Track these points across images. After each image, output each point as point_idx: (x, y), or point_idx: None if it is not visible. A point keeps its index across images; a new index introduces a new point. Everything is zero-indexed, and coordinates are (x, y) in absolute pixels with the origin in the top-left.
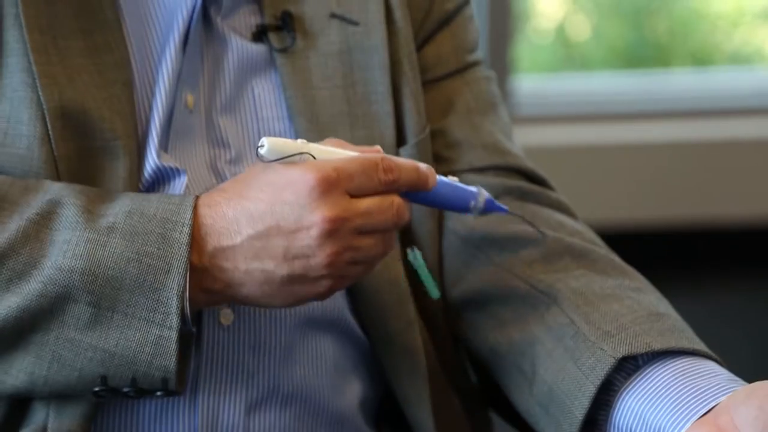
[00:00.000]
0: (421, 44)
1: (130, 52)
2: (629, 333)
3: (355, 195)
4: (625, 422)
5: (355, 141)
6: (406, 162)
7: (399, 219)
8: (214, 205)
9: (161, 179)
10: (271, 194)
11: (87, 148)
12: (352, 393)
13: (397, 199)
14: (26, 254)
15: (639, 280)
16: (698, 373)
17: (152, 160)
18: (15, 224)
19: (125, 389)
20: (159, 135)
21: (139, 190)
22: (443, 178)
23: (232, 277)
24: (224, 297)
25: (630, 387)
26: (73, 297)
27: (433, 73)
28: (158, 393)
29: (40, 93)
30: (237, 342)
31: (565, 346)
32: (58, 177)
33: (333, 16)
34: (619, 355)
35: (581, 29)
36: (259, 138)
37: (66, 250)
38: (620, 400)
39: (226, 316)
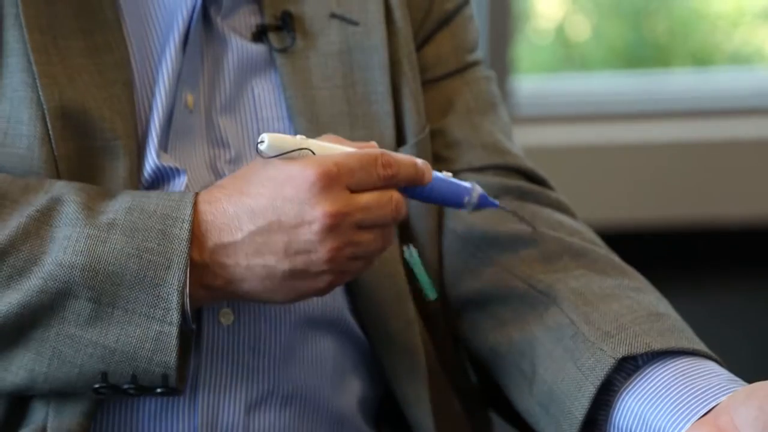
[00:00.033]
0: (420, 44)
1: (130, 52)
2: (629, 333)
3: (354, 190)
4: (625, 422)
5: (354, 141)
6: (404, 157)
7: (397, 214)
8: (215, 201)
9: (161, 179)
10: (271, 190)
11: (87, 148)
12: (351, 393)
13: (395, 194)
14: (26, 251)
15: (639, 280)
16: (698, 373)
17: (152, 160)
18: (15, 221)
19: (125, 386)
20: (159, 135)
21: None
22: (438, 174)
23: (234, 273)
24: (225, 293)
25: (630, 387)
26: (73, 293)
27: (433, 72)
28: (158, 390)
29: (41, 93)
30: (237, 342)
31: (564, 347)
32: (58, 177)
33: (333, 16)
34: (619, 356)
35: (581, 29)
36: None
37: (66, 246)
38: (620, 400)
39: (226, 315)
